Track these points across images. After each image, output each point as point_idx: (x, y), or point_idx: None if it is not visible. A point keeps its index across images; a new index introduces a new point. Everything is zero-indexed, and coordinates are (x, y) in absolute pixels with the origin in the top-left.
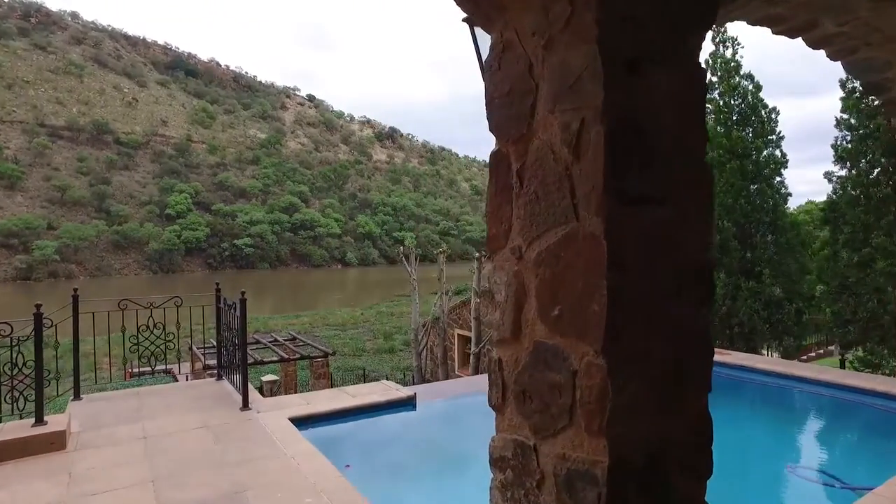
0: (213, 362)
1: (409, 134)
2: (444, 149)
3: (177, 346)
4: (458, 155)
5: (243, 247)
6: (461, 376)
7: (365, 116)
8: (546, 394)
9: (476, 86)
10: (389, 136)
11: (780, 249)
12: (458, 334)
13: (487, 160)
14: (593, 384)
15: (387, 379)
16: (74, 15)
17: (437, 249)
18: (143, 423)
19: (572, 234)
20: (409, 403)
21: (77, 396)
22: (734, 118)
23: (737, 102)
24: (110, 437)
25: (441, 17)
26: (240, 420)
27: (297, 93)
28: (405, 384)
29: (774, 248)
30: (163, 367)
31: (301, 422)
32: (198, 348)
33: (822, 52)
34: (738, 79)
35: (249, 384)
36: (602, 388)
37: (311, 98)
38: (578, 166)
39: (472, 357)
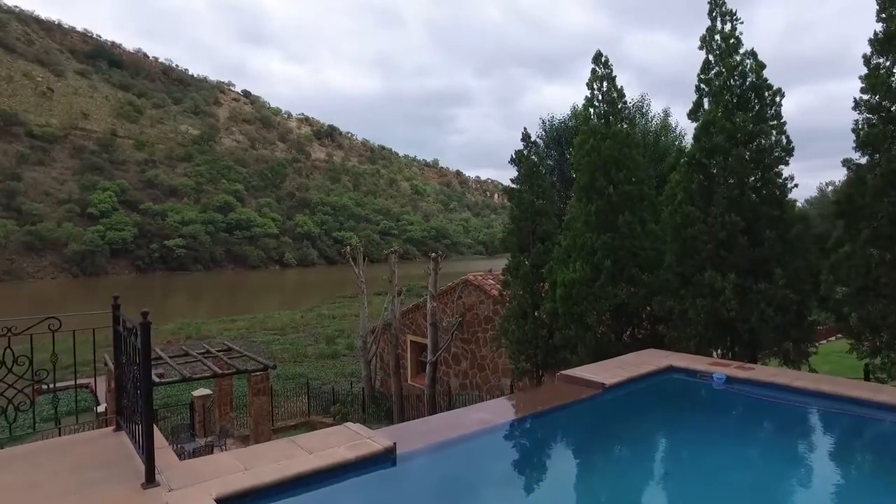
0: None
1: (348, 132)
2: (384, 148)
3: (52, 387)
4: (398, 154)
5: (175, 248)
6: (415, 386)
7: (303, 114)
8: None
9: (416, 87)
10: (328, 135)
11: (787, 247)
12: (412, 341)
13: (428, 161)
14: None
15: (333, 393)
16: None
17: (388, 248)
18: None
19: None
20: (386, 459)
21: None
22: (734, 100)
23: (736, 83)
24: None
25: (375, 13)
26: None
27: (232, 88)
28: (354, 395)
29: (781, 245)
30: (81, 381)
31: (237, 502)
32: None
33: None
34: (738, 57)
35: (159, 435)
36: None
37: (246, 94)
38: None
39: (427, 366)
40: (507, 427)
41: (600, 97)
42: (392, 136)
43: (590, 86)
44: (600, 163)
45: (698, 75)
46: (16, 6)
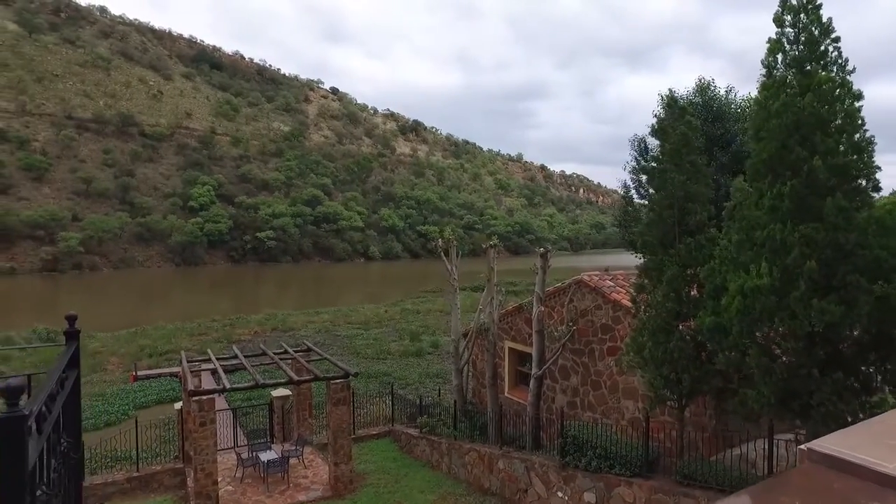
0: (216, 373)
1: (432, 127)
2: (467, 142)
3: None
4: (482, 149)
5: (265, 240)
6: (512, 399)
7: (388, 109)
8: None
9: (495, 81)
10: (413, 129)
11: None
12: (510, 348)
13: (512, 155)
14: None
15: (420, 401)
16: (103, 9)
17: (489, 242)
18: None
19: None
20: None
21: None
22: None
23: None
24: None
25: (457, 10)
26: None
27: (321, 86)
28: (443, 406)
29: None
30: (173, 370)
31: None
32: (189, 362)
33: None
34: None
35: None
36: None
37: (334, 91)
38: None
39: (532, 381)
40: None
41: (793, 36)
42: (472, 131)
43: (778, 21)
44: (795, 126)
45: None
46: (136, 19)
